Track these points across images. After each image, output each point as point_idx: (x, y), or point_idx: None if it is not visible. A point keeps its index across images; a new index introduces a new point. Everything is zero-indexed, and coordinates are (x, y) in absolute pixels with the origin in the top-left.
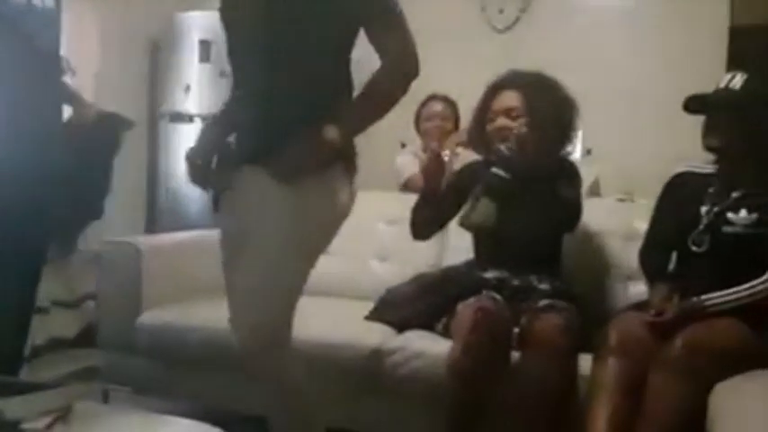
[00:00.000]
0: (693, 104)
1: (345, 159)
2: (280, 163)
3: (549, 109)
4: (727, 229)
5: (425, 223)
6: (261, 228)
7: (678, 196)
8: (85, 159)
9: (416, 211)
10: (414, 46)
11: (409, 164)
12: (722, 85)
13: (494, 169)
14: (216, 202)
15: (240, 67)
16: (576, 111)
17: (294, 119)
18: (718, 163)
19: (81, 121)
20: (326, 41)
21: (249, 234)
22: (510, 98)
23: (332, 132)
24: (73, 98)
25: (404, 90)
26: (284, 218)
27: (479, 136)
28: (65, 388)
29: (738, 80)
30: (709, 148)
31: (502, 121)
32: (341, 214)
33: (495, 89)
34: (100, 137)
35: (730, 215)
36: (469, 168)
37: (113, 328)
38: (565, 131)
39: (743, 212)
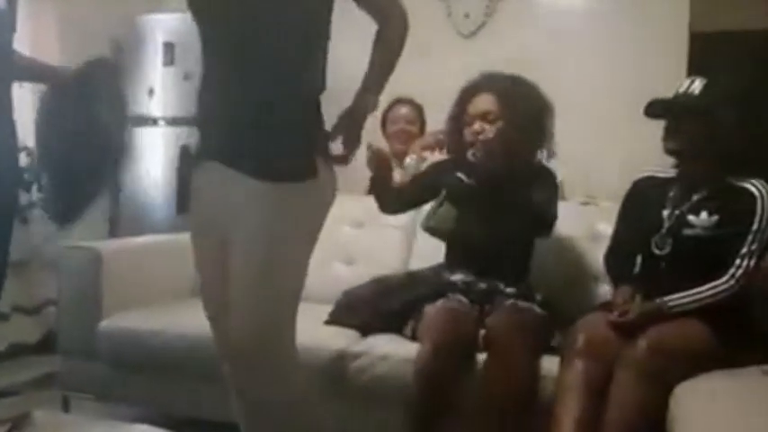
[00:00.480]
0: (654, 109)
1: (323, 149)
2: (261, 161)
3: (526, 112)
4: (688, 231)
5: (391, 203)
6: (254, 229)
7: (641, 200)
8: (87, 115)
9: (374, 192)
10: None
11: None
12: (682, 89)
13: (458, 174)
14: (180, 204)
15: (213, 59)
16: (551, 114)
17: (269, 115)
18: (679, 167)
19: (61, 82)
20: (302, 30)
21: (234, 235)
22: (486, 101)
23: (366, 100)
24: (42, 72)
25: (402, 47)
26: (281, 215)
27: (457, 140)
28: (24, 395)
29: (698, 85)
30: (669, 152)
31: (478, 126)
32: (327, 203)
33: (470, 92)
34: (90, 89)
35: (691, 218)
36: (440, 166)
37: (74, 333)
38: (540, 134)
39: (703, 215)
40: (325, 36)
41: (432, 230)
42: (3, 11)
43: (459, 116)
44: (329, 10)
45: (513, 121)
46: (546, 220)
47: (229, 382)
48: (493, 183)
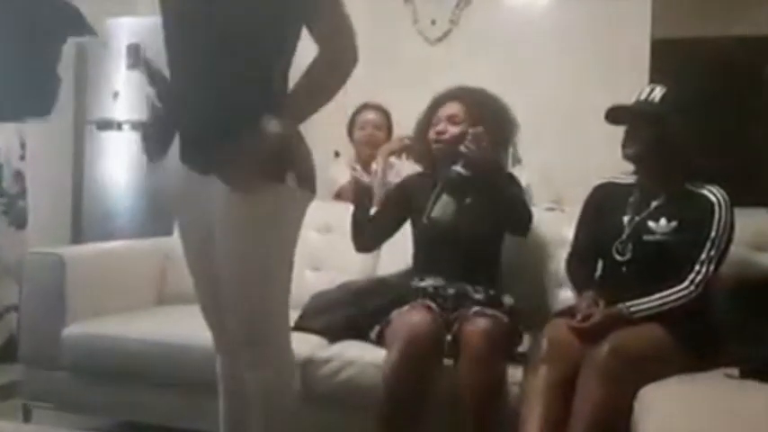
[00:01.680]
0: (614, 115)
1: (299, 170)
2: (232, 170)
3: (489, 118)
4: (648, 237)
5: (367, 237)
6: (226, 238)
7: (601, 207)
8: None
9: (354, 225)
10: (353, 35)
11: (342, 173)
12: (642, 97)
13: (455, 167)
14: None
15: (179, 64)
16: (514, 125)
17: (237, 120)
18: (638, 173)
19: None
20: (269, 39)
21: (214, 239)
22: (452, 107)
23: (272, 125)
24: None
25: (343, 80)
26: (244, 227)
27: (422, 145)
28: None
29: (658, 93)
30: (628, 158)
31: (443, 126)
32: (294, 226)
33: (439, 101)
34: None
35: (651, 224)
36: (411, 182)
37: (36, 341)
38: (502, 141)
39: (663, 221)
40: (291, 46)
41: (434, 221)
42: None
43: (426, 124)
44: (297, 18)
45: (475, 123)
46: (524, 212)
47: (223, 376)
48: (488, 170)
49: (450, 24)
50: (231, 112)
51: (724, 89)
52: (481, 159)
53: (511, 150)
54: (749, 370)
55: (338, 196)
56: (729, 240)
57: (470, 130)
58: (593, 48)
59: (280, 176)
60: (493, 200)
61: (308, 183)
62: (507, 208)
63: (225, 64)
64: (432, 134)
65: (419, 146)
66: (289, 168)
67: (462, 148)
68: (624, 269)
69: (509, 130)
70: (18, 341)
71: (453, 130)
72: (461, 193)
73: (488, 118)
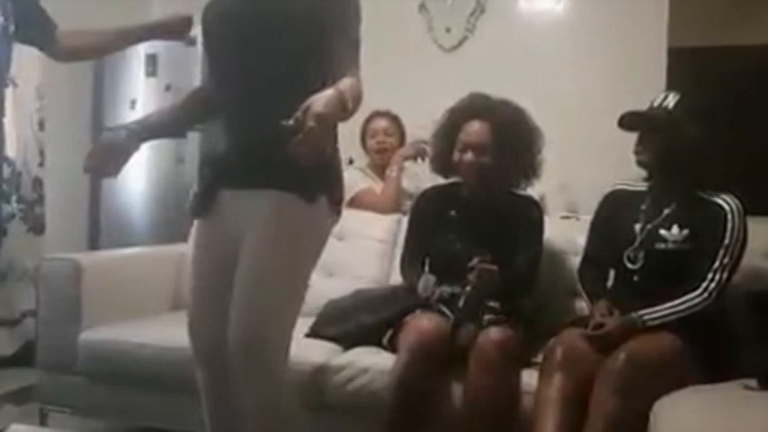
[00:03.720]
0: (627, 121)
1: (331, 190)
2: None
3: (519, 144)
4: (660, 245)
5: (409, 275)
6: (264, 237)
7: (612, 214)
8: None
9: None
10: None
11: (357, 180)
12: (656, 103)
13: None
14: (198, 208)
15: (227, 91)
16: (542, 143)
17: (280, 140)
18: (650, 179)
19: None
20: (308, 57)
21: (244, 247)
22: (480, 132)
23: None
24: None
25: (355, 111)
26: (274, 240)
27: (444, 162)
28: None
29: (671, 99)
30: (640, 164)
31: (471, 157)
32: (319, 246)
33: (462, 116)
34: None
35: (663, 232)
36: (428, 195)
37: (53, 346)
38: (532, 165)
39: (675, 229)
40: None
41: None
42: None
43: (449, 139)
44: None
45: (505, 153)
46: (526, 283)
47: (204, 390)
48: (480, 210)
49: (466, 32)
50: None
51: (741, 97)
52: (484, 292)
53: (540, 173)
54: None
55: (352, 203)
56: (743, 248)
57: (478, 265)
58: (610, 56)
59: (314, 195)
60: (493, 235)
61: (336, 206)
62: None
63: (278, 78)
64: (459, 161)
65: (442, 163)
66: (324, 188)
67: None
68: (636, 277)
69: (536, 147)
70: (35, 346)
71: (482, 160)
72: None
73: (514, 139)
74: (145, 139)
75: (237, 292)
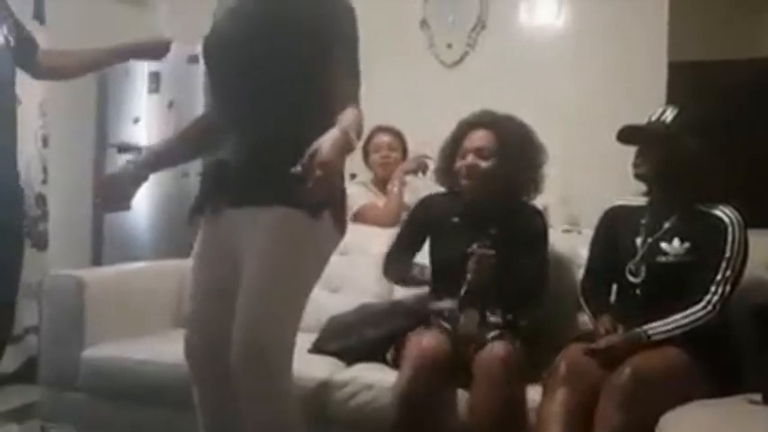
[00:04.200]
0: (626, 135)
1: (335, 209)
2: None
3: (518, 150)
4: (661, 258)
5: (399, 268)
6: (268, 251)
7: (613, 229)
8: None
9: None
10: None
11: (360, 195)
12: (654, 118)
13: (447, 213)
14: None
15: (226, 109)
16: (545, 158)
17: (285, 158)
18: (649, 194)
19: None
20: (307, 77)
21: (246, 262)
22: (482, 137)
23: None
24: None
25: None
26: (276, 255)
27: (447, 170)
28: (1, 427)
29: (669, 114)
30: (639, 177)
31: (471, 159)
32: (321, 263)
33: (467, 127)
34: None
35: (664, 245)
36: (431, 200)
37: (56, 362)
38: (534, 177)
39: (675, 242)
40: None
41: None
42: (2, 47)
43: (453, 148)
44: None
45: (507, 163)
46: (534, 291)
47: (199, 408)
48: (483, 217)
49: (467, 48)
50: (289, 142)
51: (741, 110)
52: (484, 278)
53: (543, 188)
54: None
55: (356, 218)
56: (744, 260)
57: (477, 251)
58: (610, 70)
59: (318, 212)
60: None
61: (340, 223)
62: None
63: (280, 97)
64: (460, 166)
65: (445, 172)
66: (329, 205)
67: (461, 181)
68: (638, 291)
69: (539, 161)
70: (38, 362)
71: (483, 165)
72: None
73: (517, 150)
74: (153, 171)
75: (240, 305)
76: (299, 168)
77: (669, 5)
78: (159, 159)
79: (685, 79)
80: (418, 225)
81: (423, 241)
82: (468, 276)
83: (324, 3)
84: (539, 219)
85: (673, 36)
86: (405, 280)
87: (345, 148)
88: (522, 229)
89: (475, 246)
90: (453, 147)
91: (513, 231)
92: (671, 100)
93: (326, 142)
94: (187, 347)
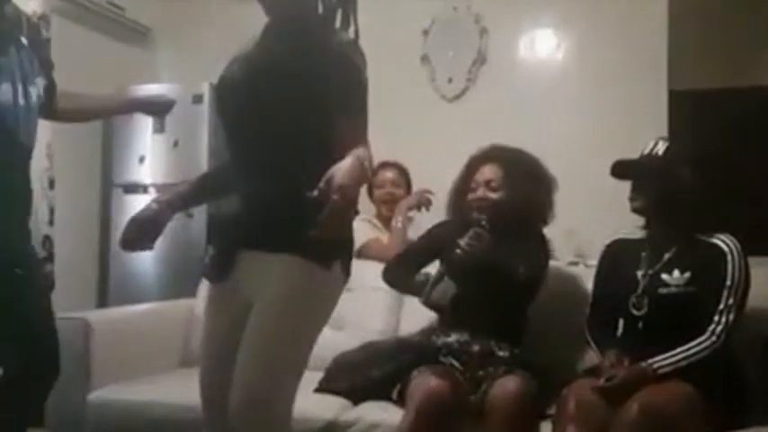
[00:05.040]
0: (619, 170)
1: (345, 255)
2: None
3: (527, 182)
4: (663, 290)
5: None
6: (276, 298)
7: (614, 264)
8: None
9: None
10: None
11: (364, 231)
12: (647, 151)
13: (458, 240)
14: (213, 273)
15: (241, 156)
16: (554, 189)
17: (291, 206)
18: (647, 226)
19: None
20: (313, 125)
21: (255, 307)
22: (489, 171)
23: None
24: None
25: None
26: (303, 291)
27: (459, 205)
28: None
29: (661, 146)
30: (636, 211)
31: (481, 192)
32: (328, 311)
33: (477, 162)
34: None
35: (665, 276)
36: (449, 224)
37: (62, 405)
38: (542, 208)
39: (676, 273)
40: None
41: (432, 305)
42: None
43: (464, 183)
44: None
45: (513, 190)
46: (527, 290)
47: None
48: (491, 261)
49: (467, 82)
50: (295, 190)
51: (744, 139)
52: (478, 256)
53: (552, 218)
54: None
55: (360, 254)
56: (746, 288)
57: (474, 229)
58: (611, 101)
59: (329, 261)
60: (497, 278)
61: (346, 270)
62: (512, 283)
63: (290, 143)
64: (472, 199)
65: (457, 207)
66: (340, 253)
67: (475, 215)
68: (642, 324)
69: (549, 190)
70: (44, 406)
71: (492, 196)
72: (464, 276)
73: (526, 182)
74: (177, 211)
75: (242, 352)
76: (315, 193)
77: (668, 35)
78: (184, 200)
79: (687, 108)
80: (432, 240)
81: (430, 258)
82: (459, 252)
83: (330, 56)
84: (544, 246)
85: (672, 65)
86: (403, 284)
87: (361, 175)
88: (523, 246)
89: (472, 231)
90: (464, 181)
91: (515, 255)
92: (673, 129)
93: (343, 168)
94: (201, 388)
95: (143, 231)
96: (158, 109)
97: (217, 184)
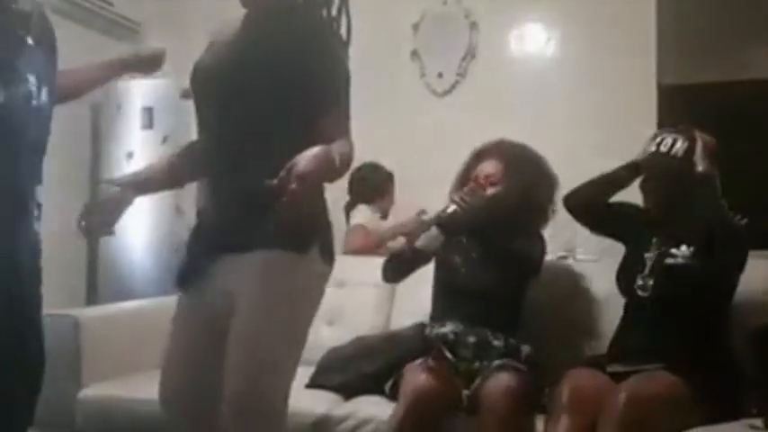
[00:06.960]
0: (630, 171)
1: (322, 240)
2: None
3: (527, 177)
4: (669, 260)
5: (399, 271)
6: (258, 294)
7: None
8: None
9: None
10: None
11: (361, 212)
12: (663, 149)
13: (452, 207)
14: (182, 279)
15: (206, 148)
16: (555, 189)
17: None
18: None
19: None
20: (294, 120)
21: (236, 306)
22: (490, 165)
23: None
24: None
25: (343, 173)
26: (269, 299)
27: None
28: None
29: (680, 147)
30: (649, 203)
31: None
32: (316, 301)
33: (478, 156)
34: None
35: (673, 250)
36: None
37: (52, 403)
38: (541, 206)
39: (683, 247)
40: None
41: (417, 251)
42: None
43: (466, 177)
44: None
45: (512, 187)
46: (531, 258)
47: None
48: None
49: (457, 77)
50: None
51: (734, 132)
52: (469, 214)
53: (552, 217)
54: None
55: (346, 236)
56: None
57: (470, 184)
58: (600, 95)
59: (305, 248)
60: (493, 257)
61: (328, 255)
62: (508, 265)
63: (260, 137)
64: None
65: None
66: (315, 240)
67: (455, 198)
68: (648, 305)
69: (549, 188)
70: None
71: (492, 190)
72: (453, 230)
73: (527, 178)
74: (138, 194)
75: (233, 351)
76: (274, 181)
77: (657, 29)
78: (144, 184)
79: (676, 102)
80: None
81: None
82: (452, 207)
83: (309, 44)
84: (539, 242)
85: (661, 59)
86: (403, 276)
87: (326, 166)
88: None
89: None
90: (466, 175)
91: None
92: (662, 123)
93: (306, 156)
94: (163, 392)
95: (100, 217)
96: (148, 66)
97: (187, 169)
